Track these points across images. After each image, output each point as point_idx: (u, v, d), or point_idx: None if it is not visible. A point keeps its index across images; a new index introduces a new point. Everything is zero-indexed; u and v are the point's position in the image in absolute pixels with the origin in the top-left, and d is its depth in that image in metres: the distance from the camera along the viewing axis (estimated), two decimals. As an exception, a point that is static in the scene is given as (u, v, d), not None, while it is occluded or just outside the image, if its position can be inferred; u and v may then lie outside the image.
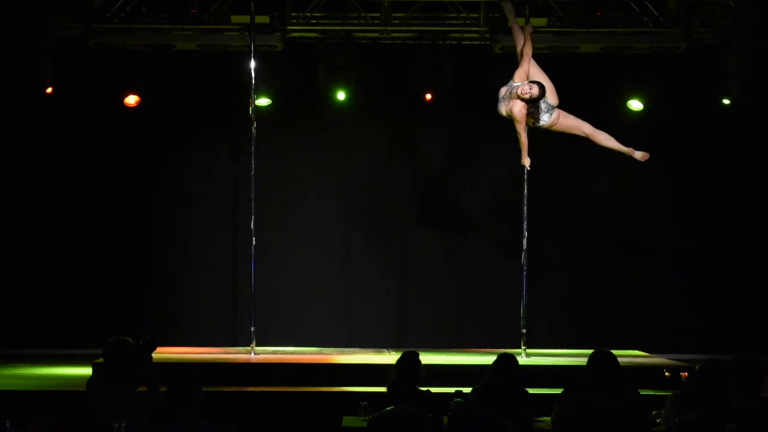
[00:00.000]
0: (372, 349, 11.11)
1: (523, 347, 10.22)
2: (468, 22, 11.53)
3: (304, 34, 11.62)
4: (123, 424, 5.01)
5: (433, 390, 6.49)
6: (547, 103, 9.39)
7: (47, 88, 11.03)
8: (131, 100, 11.62)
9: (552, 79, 9.74)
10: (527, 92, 9.31)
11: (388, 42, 11.81)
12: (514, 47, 10.84)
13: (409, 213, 12.34)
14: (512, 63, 10.66)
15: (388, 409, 6.01)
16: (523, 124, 9.46)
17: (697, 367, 5.83)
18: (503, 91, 9.50)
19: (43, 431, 5.44)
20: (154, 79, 11.68)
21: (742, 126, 11.82)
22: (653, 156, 12.15)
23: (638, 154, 9.78)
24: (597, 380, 5.83)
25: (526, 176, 10.17)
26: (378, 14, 11.42)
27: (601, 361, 5.94)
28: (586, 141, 12.03)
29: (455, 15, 11.52)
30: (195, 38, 11.37)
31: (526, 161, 9.81)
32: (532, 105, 9.34)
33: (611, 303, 12.11)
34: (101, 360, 6.06)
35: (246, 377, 9.42)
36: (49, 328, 11.93)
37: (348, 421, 6.70)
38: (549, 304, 11.83)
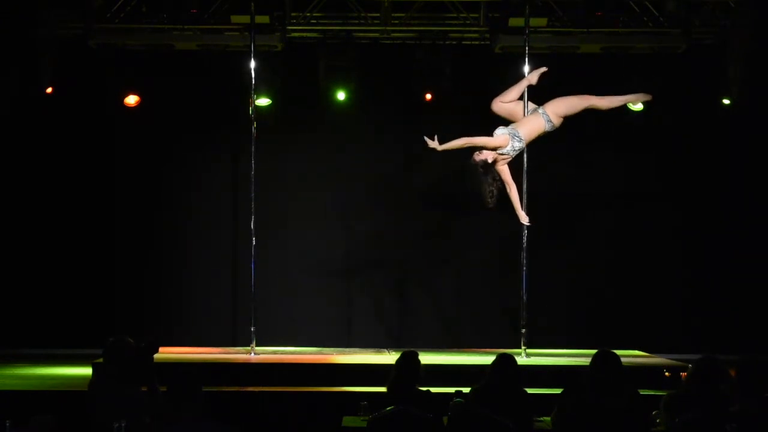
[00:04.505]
0: (372, 349, 11.11)
1: (523, 347, 10.22)
2: (468, 22, 11.54)
3: (304, 34, 11.63)
4: (123, 424, 5.02)
5: (433, 390, 6.49)
6: (512, 133, 9.30)
7: (47, 88, 11.05)
8: (131, 100, 11.62)
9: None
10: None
11: (388, 42, 11.82)
12: (515, 47, 10.88)
13: (409, 212, 12.33)
14: (512, 63, 10.70)
15: (388, 409, 6.01)
16: (504, 175, 9.40)
17: (690, 366, 5.85)
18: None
19: (43, 431, 5.45)
20: (154, 79, 11.68)
21: (742, 126, 11.81)
22: (654, 156, 12.22)
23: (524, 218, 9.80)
24: (597, 380, 5.84)
25: (525, 176, 10.16)
26: (378, 14, 11.43)
27: (602, 361, 5.94)
28: (587, 142, 12.08)
29: (455, 15, 11.52)
30: (195, 38, 11.38)
31: (524, 219, 9.80)
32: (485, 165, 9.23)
33: (611, 303, 12.10)
34: (101, 360, 6.06)
35: (246, 377, 9.42)
36: (49, 328, 11.94)
37: (348, 421, 6.71)
38: (549, 304, 11.83)
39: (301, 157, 12.27)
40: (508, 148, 9.21)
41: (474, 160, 9.15)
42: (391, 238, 12.32)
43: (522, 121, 9.41)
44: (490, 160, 9.14)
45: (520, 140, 9.25)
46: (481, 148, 9.17)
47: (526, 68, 10.06)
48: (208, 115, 12.09)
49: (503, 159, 9.30)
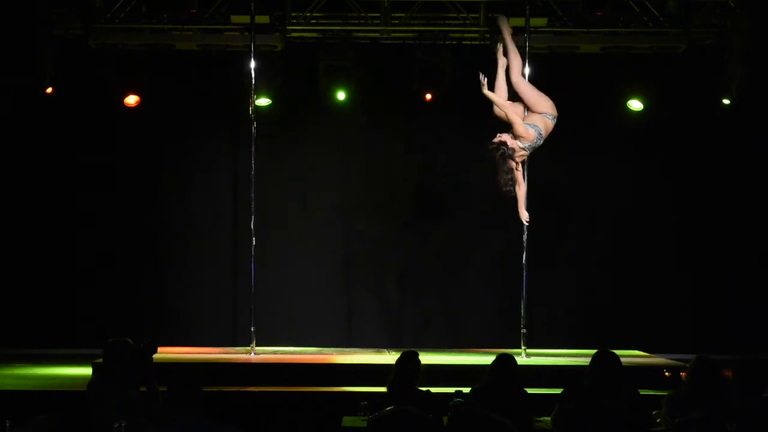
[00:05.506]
0: (372, 349, 11.12)
1: (523, 347, 10.22)
2: (468, 22, 11.53)
3: (304, 34, 11.62)
4: (123, 424, 5.02)
5: (433, 390, 6.50)
6: (536, 129, 9.28)
7: (47, 88, 11.05)
8: (131, 100, 11.61)
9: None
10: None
11: (388, 42, 11.81)
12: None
13: (408, 212, 12.34)
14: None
15: (388, 409, 6.00)
16: (515, 172, 9.39)
17: (688, 366, 5.84)
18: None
19: (43, 431, 5.45)
20: (154, 79, 11.67)
21: (742, 126, 11.81)
22: (653, 156, 12.23)
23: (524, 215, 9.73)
24: (598, 380, 5.83)
25: (526, 176, 10.16)
26: (378, 14, 11.42)
27: (602, 360, 5.94)
28: (587, 143, 12.08)
29: (455, 15, 11.52)
30: (195, 38, 11.38)
31: (525, 217, 9.77)
32: (505, 153, 9.18)
33: (611, 303, 12.11)
34: (101, 360, 6.06)
35: (246, 377, 9.42)
36: (49, 328, 11.93)
37: (348, 421, 6.70)
38: (549, 304, 11.83)
39: (301, 157, 12.27)
40: (530, 144, 9.17)
41: (493, 142, 9.10)
42: (391, 238, 12.32)
43: (537, 120, 9.33)
44: (509, 144, 9.08)
45: (541, 138, 9.23)
46: (504, 129, 9.11)
47: (527, 68, 10.05)
48: (208, 115, 12.10)
49: (521, 155, 9.24)
